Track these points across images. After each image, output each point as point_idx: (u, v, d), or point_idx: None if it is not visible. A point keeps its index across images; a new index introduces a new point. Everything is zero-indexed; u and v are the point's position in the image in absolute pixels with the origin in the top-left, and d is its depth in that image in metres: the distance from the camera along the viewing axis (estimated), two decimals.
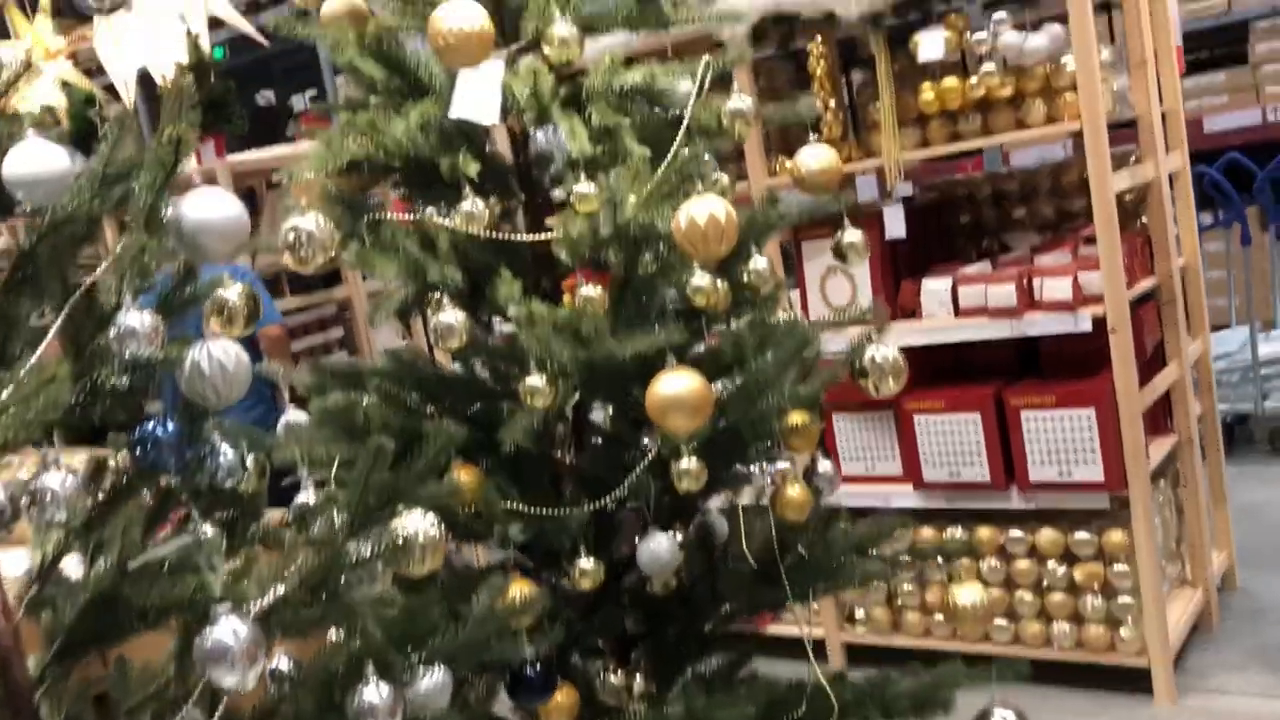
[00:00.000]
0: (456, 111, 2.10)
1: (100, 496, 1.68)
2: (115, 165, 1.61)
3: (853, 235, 2.35)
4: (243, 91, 9.82)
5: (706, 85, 2.17)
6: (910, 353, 2.39)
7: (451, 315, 2.03)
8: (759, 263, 2.21)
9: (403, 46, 2.16)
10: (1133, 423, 3.21)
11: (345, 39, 2.11)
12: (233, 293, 2.10)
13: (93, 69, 5.60)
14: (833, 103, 3.64)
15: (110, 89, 5.51)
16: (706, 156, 2.08)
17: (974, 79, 3.35)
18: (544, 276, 2.28)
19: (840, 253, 2.37)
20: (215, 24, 5.35)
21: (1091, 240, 3.46)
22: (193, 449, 1.68)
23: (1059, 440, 3.31)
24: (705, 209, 1.86)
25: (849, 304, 3.68)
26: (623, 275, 2.17)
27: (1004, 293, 3.35)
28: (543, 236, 2.13)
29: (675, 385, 1.83)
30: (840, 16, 3.44)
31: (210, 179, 4.86)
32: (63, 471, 1.44)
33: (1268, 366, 4.71)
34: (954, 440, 3.47)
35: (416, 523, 1.74)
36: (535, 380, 1.99)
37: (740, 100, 2.13)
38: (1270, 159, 4.94)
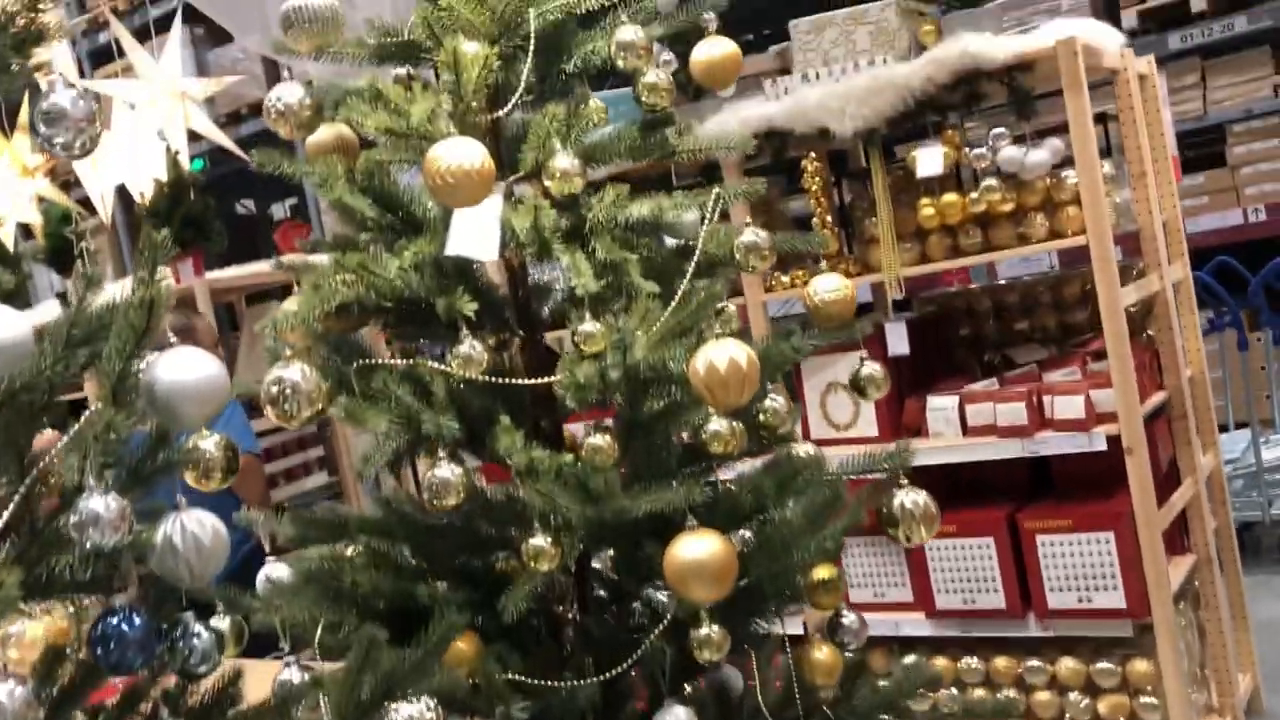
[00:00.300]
0: (453, 249, 1.94)
1: (55, 693, 1.48)
2: (82, 326, 1.45)
3: (871, 368, 2.20)
4: (222, 201, 9.75)
5: (715, 217, 2.04)
6: (917, 473, 2.26)
7: (448, 470, 1.85)
8: (776, 401, 2.05)
9: (395, 180, 2.01)
10: (1154, 546, 3.05)
11: (334, 174, 1.97)
12: (209, 444, 1.92)
13: (70, 181, 5.48)
14: (829, 218, 3.52)
15: (88, 202, 5.38)
16: (719, 288, 1.93)
17: (974, 194, 3.24)
18: (544, 418, 2.12)
19: (859, 387, 2.22)
20: (195, 134, 5.25)
21: (1099, 355, 3.33)
22: (163, 640, 1.49)
23: (1077, 565, 3.14)
24: (725, 354, 1.70)
25: (852, 422, 3.52)
26: (630, 418, 2.01)
27: (1014, 411, 3.21)
28: (547, 380, 1.96)
29: (697, 550, 1.66)
30: (835, 132, 3.34)
31: (188, 298, 4.69)
32: (9, 682, 1.24)
33: (1272, 472, 4.57)
34: (967, 565, 3.30)
35: (411, 710, 1.55)
36: (540, 541, 1.81)
37: (754, 234, 1.99)
38: (1252, 259, 4.88)
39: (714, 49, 2.14)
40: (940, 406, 3.36)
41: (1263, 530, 4.62)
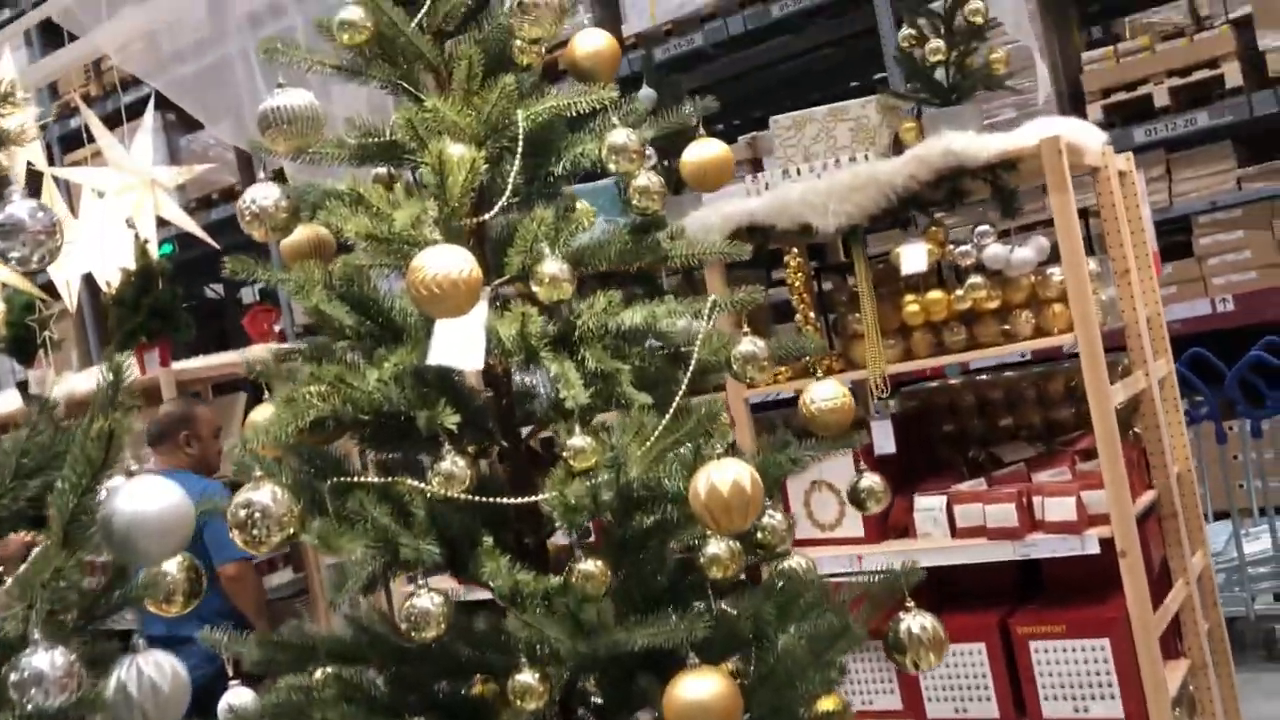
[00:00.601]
0: (436, 358, 1.82)
1: None
2: (34, 455, 1.31)
3: (871, 480, 2.09)
4: (190, 285, 9.60)
5: (713, 323, 1.94)
6: None
7: (427, 600, 1.70)
8: (774, 517, 1.93)
9: (375, 287, 1.89)
10: (1151, 654, 2.93)
11: (311, 280, 1.85)
12: (172, 566, 1.78)
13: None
14: (812, 314, 3.44)
15: (53, 288, 5.22)
16: (719, 404, 1.81)
17: (960, 291, 3.17)
18: (528, 534, 1.99)
19: (858, 500, 2.10)
20: (164, 220, 5.13)
21: (1088, 454, 3.24)
22: None
23: (1073, 673, 3.01)
24: (728, 476, 1.58)
25: (837, 521, 3.40)
26: (620, 537, 1.88)
27: (1004, 512, 3.10)
28: (535, 499, 1.83)
29: (700, 691, 1.52)
30: (818, 228, 3.27)
31: (154, 389, 4.53)
32: None
33: (1255, 566, 4.49)
34: (958, 672, 3.16)
35: None
36: (527, 678, 1.66)
37: (752, 344, 1.88)
38: (1221, 349, 4.84)
39: (705, 150, 2.05)
40: (928, 507, 3.25)
41: (1246, 626, 4.52)
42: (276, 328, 5.68)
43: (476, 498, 1.79)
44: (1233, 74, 5.49)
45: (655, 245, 1.98)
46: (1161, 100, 5.67)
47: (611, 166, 1.91)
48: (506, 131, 1.93)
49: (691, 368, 1.88)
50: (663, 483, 1.75)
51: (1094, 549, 2.99)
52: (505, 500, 1.84)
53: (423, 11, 2.03)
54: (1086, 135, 3.21)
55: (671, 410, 1.81)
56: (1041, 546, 3.06)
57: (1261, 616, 4.49)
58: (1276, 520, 4.52)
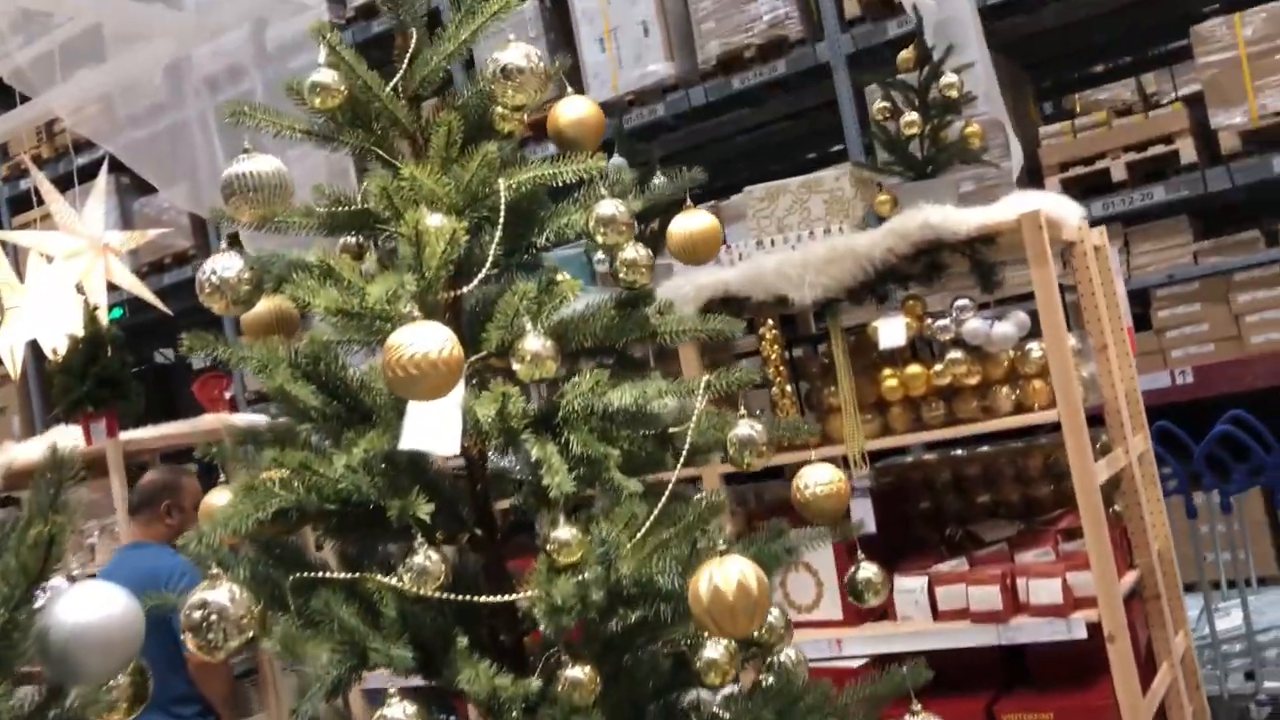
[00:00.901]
0: (409, 442, 1.68)
1: None
2: None
3: (869, 571, 1.96)
4: (140, 349, 9.31)
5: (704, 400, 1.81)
6: (885, 660, 2.01)
7: (399, 709, 1.54)
8: (772, 614, 1.79)
9: (344, 365, 1.75)
10: None
11: (275, 358, 1.70)
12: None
13: None
14: (788, 388, 3.33)
15: None
16: (720, 495, 1.68)
17: (939, 366, 3.08)
18: (504, 631, 1.83)
19: (856, 592, 1.97)
20: (114, 284, 4.94)
21: (1070, 533, 3.14)
22: None
23: None
24: (732, 576, 1.44)
25: (814, 603, 3.26)
26: (607, 636, 1.73)
27: (987, 595, 2.98)
28: (516, 597, 1.68)
29: None
30: (794, 300, 3.17)
31: (99, 460, 4.31)
32: None
33: (1228, 643, 4.40)
34: None
35: None
36: None
37: (750, 427, 1.76)
38: (1182, 422, 4.79)
39: (693, 222, 1.94)
40: (909, 588, 3.12)
41: (1220, 705, 4.41)
42: (228, 395, 5.46)
43: (452, 595, 1.64)
44: (1187, 150, 5.53)
45: (643, 320, 1.86)
46: (1118, 174, 5.70)
47: (599, 239, 1.79)
48: (486, 201, 1.81)
49: (684, 452, 1.74)
50: (655, 579, 1.60)
51: (1081, 633, 2.88)
52: (486, 599, 1.68)
53: (399, 76, 1.91)
54: (1064, 209, 3.15)
55: (664, 498, 1.68)
56: (1027, 630, 2.94)
57: (1235, 695, 4.40)
58: (1248, 594, 4.44)
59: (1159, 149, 5.60)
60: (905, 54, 3.31)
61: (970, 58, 3.37)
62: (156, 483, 3.95)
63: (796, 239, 3.32)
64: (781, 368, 3.32)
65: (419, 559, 1.64)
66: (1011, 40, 6.20)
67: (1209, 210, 5.86)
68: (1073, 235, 3.21)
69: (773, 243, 3.37)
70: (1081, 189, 5.86)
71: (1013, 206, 2.97)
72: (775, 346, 3.30)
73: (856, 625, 3.16)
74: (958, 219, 2.97)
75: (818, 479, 1.91)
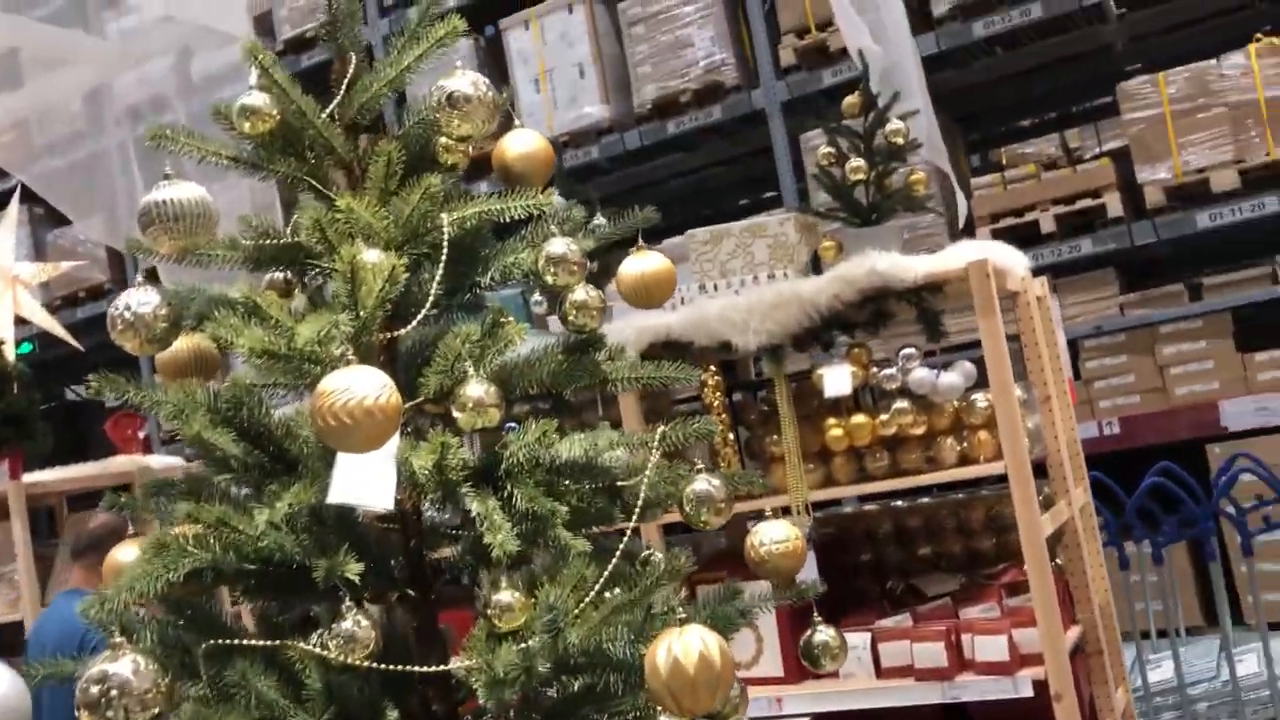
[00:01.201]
0: (339, 496, 1.53)
1: None
2: None
3: (825, 634, 1.85)
4: (50, 387, 8.93)
5: (657, 457, 1.69)
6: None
7: None
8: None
9: (268, 411, 1.60)
10: None
11: (193, 404, 1.54)
12: None
13: None
14: (730, 436, 3.22)
15: None
16: (684, 558, 1.56)
17: (885, 416, 3.00)
18: (437, 701, 1.68)
19: (811, 657, 1.85)
20: (23, 318, 4.68)
21: (1013, 587, 3.07)
22: None
23: None
24: (693, 647, 1.32)
25: (754, 660, 3.14)
26: (550, 707, 1.59)
27: (932, 652, 2.89)
28: (453, 667, 1.53)
29: None
30: (737, 346, 3.08)
31: (1, 504, 4.05)
32: None
33: (1162, 695, 4.37)
34: None
35: None
36: None
37: (707, 483, 1.64)
38: (1108, 472, 4.80)
39: (646, 264, 1.83)
40: (851, 645, 2.96)
41: None
42: (142, 435, 5.21)
43: (383, 665, 1.49)
44: (1114, 204, 5.60)
45: (593, 366, 1.74)
46: (1047, 226, 5.74)
47: (549, 279, 1.67)
48: (427, 237, 1.68)
49: (635, 508, 1.62)
50: (605, 647, 1.47)
51: (1027, 691, 2.80)
52: (419, 669, 1.53)
53: (335, 102, 1.78)
54: (1010, 259, 3.11)
55: (615, 559, 1.55)
56: (972, 689, 2.85)
57: None
58: (1179, 645, 4.42)
59: (1087, 202, 5.66)
60: (850, 100, 3.26)
61: (914, 105, 3.33)
62: (107, 526, 3.71)
63: (740, 283, 3.23)
64: (723, 415, 3.22)
65: (347, 625, 1.49)
66: (943, 93, 6.24)
67: (1135, 263, 5.93)
68: (1017, 285, 3.17)
69: (716, 287, 3.27)
70: (1012, 240, 5.86)
71: (960, 255, 2.92)
72: (717, 393, 3.20)
73: (798, 683, 3.05)
74: (905, 266, 2.91)
75: (774, 536, 1.80)
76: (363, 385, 1.36)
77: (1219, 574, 4.28)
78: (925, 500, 3.56)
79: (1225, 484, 4.32)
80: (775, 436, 3.14)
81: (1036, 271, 5.70)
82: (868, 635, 3.01)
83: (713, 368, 3.20)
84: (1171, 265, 5.92)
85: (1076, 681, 2.96)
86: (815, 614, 1.86)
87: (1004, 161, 7.20)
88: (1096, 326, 5.79)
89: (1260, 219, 5.29)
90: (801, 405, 3.19)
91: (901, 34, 3.41)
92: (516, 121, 1.85)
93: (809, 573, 3.02)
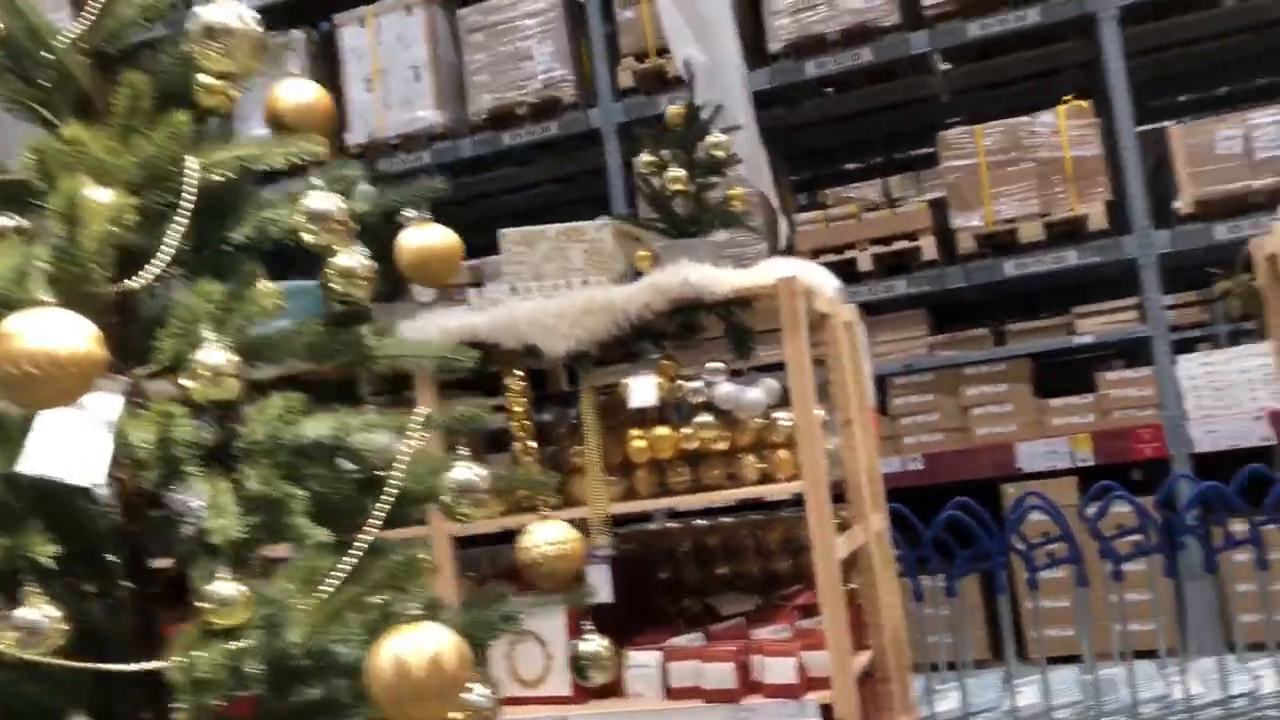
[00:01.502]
0: (33, 465, 1.30)
1: None
2: None
3: (595, 644, 1.70)
4: None
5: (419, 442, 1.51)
6: None
7: None
8: (481, 694, 1.49)
9: None
10: None
11: None
12: None
13: None
14: (533, 444, 3.05)
15: None
16: (422, 555, 1.38)
17: (688, 429, 2.89)
18: (146, 709, 1.45)
19: (578, 667, 1.70)
20: None
21: (808, 609, 3.00)
22: None
23: None
24: (424, 649, 1.15)
25: (542, 677, 2.96)
26: (273, 717, 1.39)
27: (721, 672, 2.78)
28: (148, 666, 1.31)
29: None
30: (545, 351, 2.92)
31: None
32: None
33: None
34: None
35: None
36: None
37: (469, 470, 1.47)
38: (912, 506, 4.85)
39: (428, 236, 1.66)
40: (642, 663, 2.88)
41: None
42: None
43: (70, 662, 1.26)
44: (929, 248, 5.71)
45: (357, 341, 1.55)
46: (865, 265, 5.81)
47: (307, 237, 1.48)
48: (171, 182, 1.46)
49: (390, 498, 1.44)
50: (333, 650, 1.28)
51: (814, 716, 2.71)
52: (119, 667, 1.31)
53: (79, 23, 1.55)
54: (820, 280, 3.06)
55: (359, 552, 1.36)
56: (760, 711, 2.75)
57: None
58: (966, 677, 4.47)
59: (903, 244, 5.76)
60: (674, 109, 3.17)
61: (738, 121, 3.27)
62: None
63: (553, 288, 3.08)
64: (526, 423, 3.05)
65: (28, 613, 1.25)
66: (773, 130, 6.30)
67: (945, 306, 6.06)
68: (827, 307, 3.12)
69: (528, 290, 3.12)
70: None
71: (771, 271, 2.85)
72: (522, 400, 3.04)
73: (584, 703, 2.89)
74: (716, 278, 2.82)
75: (547, 537, 1.65)
76: (55, 331, 1.14)
77: (1007, 607, 4.34)
78: (728, 520, 3.47)
79: (1015, 520, 4.39)
80: (579, 447, 2.99)
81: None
82: (659, 654, 2.88)
83: (518, 373, 3.03)
84: (979, 310, 6.07)
85: (865, 708, 2.90)
86: (587, 622, 1.71)
87: (829, 202, 7.33)
88: (906, 365, 5.88)
89: (1061, 270, 5.47)
90: (611, 418, 3.06)
91: (729, 51, 3.35)
92: (293, 70, 1.65)
93: (603, 589, 2.89)
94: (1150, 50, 5.88)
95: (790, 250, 5.93)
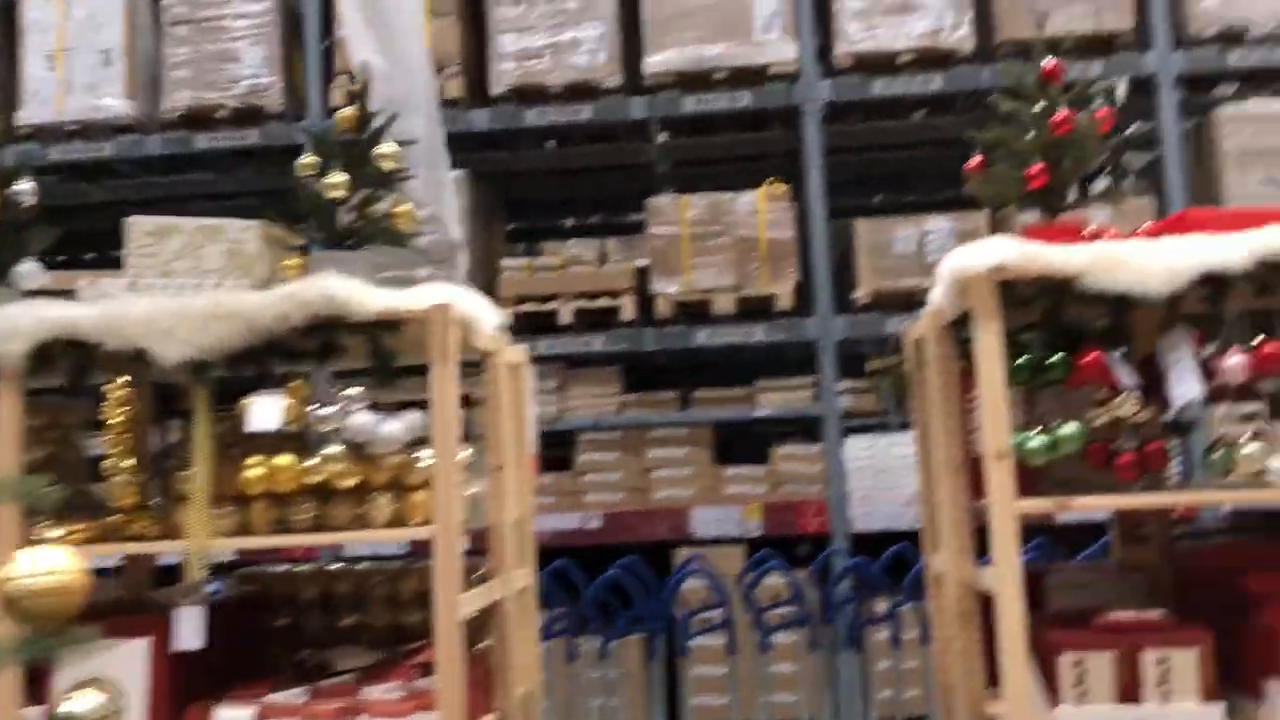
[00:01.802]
0: None
1: None
2: None
3: (86, 703, 1.34)
4: None
5: None
6: None
7: None
8: None
9: None
10: None
11: None
12: None
13: None
14: (133, 462, 2.63)
15: None
16: None
17: (313, 460, 2.57)
18: None
19: None
20: None
21: (428, 668, 2.71)
22: None
23: None
24: None
25: None
26: None
27: None
28: None
29: None
30: (157, 357, 2.52)
31: None
32: None
33: None
34: None
35: None
36: None
37: None
38: (586, 564, 4.70)
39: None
40: (230, 718, 2.49)
41: None
42: None
43: None
44: (629, 307, 5.64)
45: None
46: (566, 318, 5.67)
47: None
48: None
49: None
50: None
51: None
52: None
53: None
54: (483, 313, 2.83)
55: None
56: None
57: None
58: None
59: (605, 301, 5.67)
60: (345, 113, 2.88)
61: (416, 136, 3.02)
62: None
63: (179, 288, 2.70)
64: (128, 438, 2.63)
65: None
66: (494, 172, 6.11)
67: (639, 367, 6.01)
68: (490, 345, 2.89)
69: (149, 287, 2.71)
70: (533, 325, 5.76)
71: (426, 295, 2.59)
72: (123, 412, 2.61)
73: None
74: (364, 296, 2.53)
75: (33, 566, 1.30)
76: None
77: (658, 672, 4.22)
78: (362, 566, 3.15)
79: (674, 585, 4.30)
80: (188, 472, 2.60)
81: (551, 359, 5.66)
82: (254, 710, 2.51)
83: (121, 380, 2.61)
84: (670, 374, 6.07)
85: None
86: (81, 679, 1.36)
87: (544, 253, 7.20)
88: (595, 421, 5.77)
89: (748, 345, 5.54)
90: (244, 444, 2.68)
91: (416, 61, 3.11)
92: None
93: (191, 635, 2.50)
94: (847, 149, 6.12)
95: (495, 299, 5.72)
